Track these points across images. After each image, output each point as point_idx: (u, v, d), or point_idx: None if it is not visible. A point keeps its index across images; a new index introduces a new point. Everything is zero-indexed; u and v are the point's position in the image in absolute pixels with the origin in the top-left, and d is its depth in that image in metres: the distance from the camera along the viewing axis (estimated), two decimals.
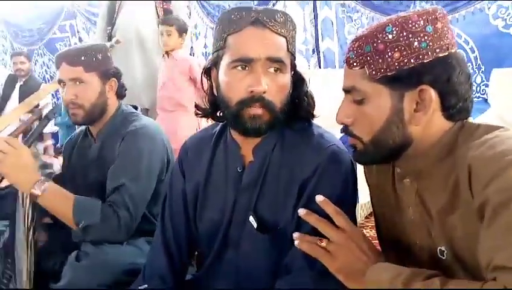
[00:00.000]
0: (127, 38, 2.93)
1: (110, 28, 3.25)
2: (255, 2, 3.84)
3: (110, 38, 3.22)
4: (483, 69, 2.93)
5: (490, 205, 0.62)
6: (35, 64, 5.47)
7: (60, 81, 1.34)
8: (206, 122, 1.90)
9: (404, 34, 0.70)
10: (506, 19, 2.78)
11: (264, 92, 0.86)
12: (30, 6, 5.15)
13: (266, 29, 0.88)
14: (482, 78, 2.97)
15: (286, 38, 0.90)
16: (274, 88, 0.88)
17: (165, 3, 3.17)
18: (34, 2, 5.08)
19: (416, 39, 0.70)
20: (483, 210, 0.63)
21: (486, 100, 2.85)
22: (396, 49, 0.71)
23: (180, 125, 2.81)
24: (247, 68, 0.87)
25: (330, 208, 0.81)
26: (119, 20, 3.20)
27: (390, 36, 0.71)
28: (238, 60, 0.87)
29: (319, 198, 0.82)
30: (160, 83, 2.91)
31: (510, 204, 0.59)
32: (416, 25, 0.71)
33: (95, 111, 1.35)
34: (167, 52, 2.83)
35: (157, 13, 3.15)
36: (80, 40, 5.01)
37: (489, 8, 2.81)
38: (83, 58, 1.32)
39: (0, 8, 5.40)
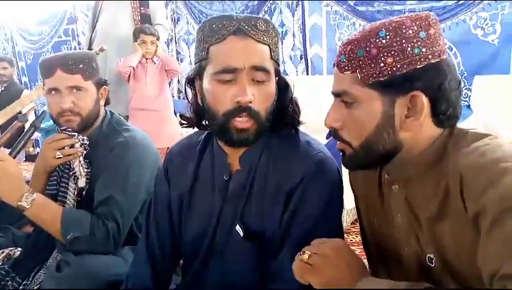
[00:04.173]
0: (106, 43, 2.92)
1: (91, 33, 3.21)
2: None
3: (90, 44, 3.18)
4: (465, 75, 3.06)
5: (489, 213, 0.60)
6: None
7: (53, 89, 1.29)
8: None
9: (398, 39, 0.69)
10: (484, 28, 2.98)
11: (250, 102, 0.85)
12: (39, 10, 5.31)
13: (248, 38, 0.86)
14: (464, 82, 3.07)
15: (269, 46, 0.89)
16: (260, 97, 0.87)
17: (142, 8, 3.16)
18: (41, 6, 5.19)
19: (409, 45, 0.69)
20: (479, 218, 0.62)
21: (468, 106, 2.90)
22: (389, 54, 0.70)
23: (169, 121, 3.09)
24: (231, 78, 0.86)
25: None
26: (99, 25, 3.17)
27: (383, 41, 0.70)
28: (222, 71, 0.86)
29: None
30: (144, 85, 3.07)
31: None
32: (410, 31, 0.70)
33: (91, 118, 1.34)
34: (145, 58, 3.09)
35: (134, 18, 3.14)
36: (79, 43, 5.06)
37: (470, 18, 3.01)
38: (81, 66, 1.30)
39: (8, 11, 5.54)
